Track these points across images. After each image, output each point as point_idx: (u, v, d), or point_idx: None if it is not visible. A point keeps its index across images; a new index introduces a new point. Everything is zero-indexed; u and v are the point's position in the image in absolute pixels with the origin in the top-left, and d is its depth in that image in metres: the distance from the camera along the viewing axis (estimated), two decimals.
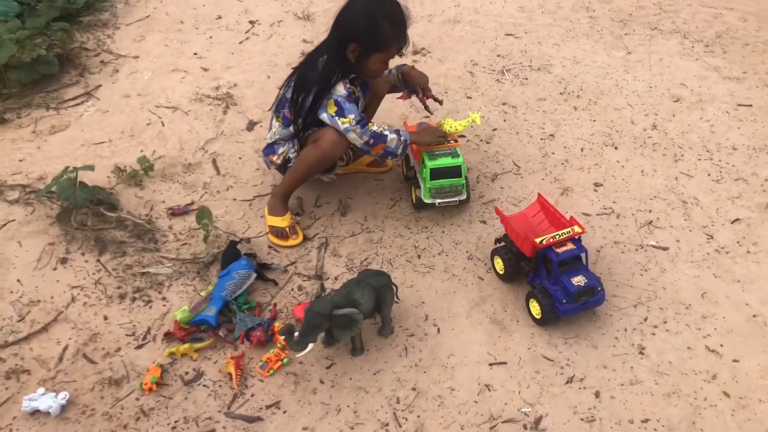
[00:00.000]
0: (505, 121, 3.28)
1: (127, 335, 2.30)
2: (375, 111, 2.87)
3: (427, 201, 2.61)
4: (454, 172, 2.59)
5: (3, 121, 3.38)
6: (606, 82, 3.54)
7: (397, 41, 2.46)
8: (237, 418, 2.04)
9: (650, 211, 2.75)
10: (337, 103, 2.46)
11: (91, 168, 2.74)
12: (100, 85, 3.66)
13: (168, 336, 2.26)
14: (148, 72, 3.76)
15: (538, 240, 2.25)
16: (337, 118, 2.46)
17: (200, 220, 2.59)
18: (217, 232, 2.67)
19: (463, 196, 2.65)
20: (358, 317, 2.08)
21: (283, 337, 2.11)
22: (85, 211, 2.73)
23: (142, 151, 3.15)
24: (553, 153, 3.07)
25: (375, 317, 2.24)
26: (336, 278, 2.48)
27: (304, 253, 2.60)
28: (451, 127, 2.68)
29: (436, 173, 2.57)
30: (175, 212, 2.77)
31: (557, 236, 2.26)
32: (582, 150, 3.08)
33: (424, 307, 2.38)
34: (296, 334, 2.07)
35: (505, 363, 2.19)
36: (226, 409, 2.07)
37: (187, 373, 2.18)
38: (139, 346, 2.26)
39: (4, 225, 2.75)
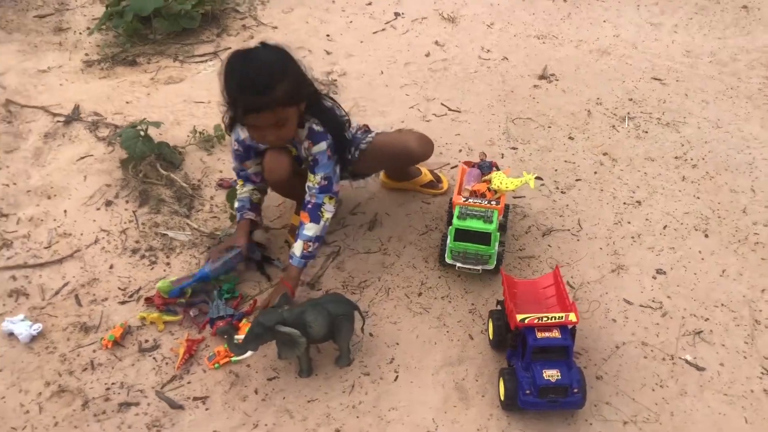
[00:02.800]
0: (595, 173, 2.94)
1: (119, 288, 2.41)
2: (395, 166, 2.77)
3: (448, 261, 2.39)
4: (483, 238, 2.31)
5: (134, 63, 3.67)
6: (739, 157, 3.03)
7: (240, 102, 2.14)
8: (162, 399, 2.06)
9: (707, 319, 2.33)
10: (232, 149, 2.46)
11: (157, 125, 2.89)
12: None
13: (148, 301, 2.33)
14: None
15: (520, 317, 2.00)
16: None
17: (231, 199, 2.63)
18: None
19: (490, 266, 2.37)
20: (299, 340, 2.00)
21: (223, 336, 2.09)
22: (148, 162, 2.88)
23: None
24: (629, 222, 2.70)
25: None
26: (327, 291, 2.40)
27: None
28: (501, 183, 2.44)
29: (462, 235, 2.32)
30: (223, 185, 2.84)
31: (544, 318, 1.99)
32: (665, 228, 2.68)
33: (396, 348, 2.23)
34: (236, 337, 2.04)
35: None
36: (159, 387, 2.10)
37: (147, 341, 2.24)
38: (123, 302, 2.36)
39: (83, 158, 2.98)
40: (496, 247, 2.38)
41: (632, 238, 2.63)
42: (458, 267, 2.37)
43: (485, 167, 2.55)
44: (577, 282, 2.45)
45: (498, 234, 2.38)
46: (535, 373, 1.93)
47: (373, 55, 3.78)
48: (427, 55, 3.78)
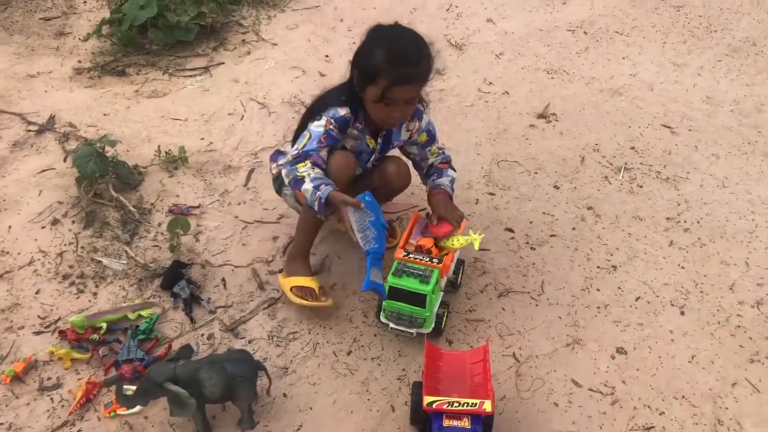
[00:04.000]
0: (573, 229, 2.69)
1: (38, 317, 2.31)
2: (382, 200, 2.49)
3: (382, 320, 2.19)
4: (418, 299, 2.09)
5: (123, 73, 3.60)
6: (740, 223, 2.73)
7: (388, 74, 2.03)
8: None
9: (662, 413, 2.07)
10: (309, 133, 2.18)
11: (112, 143, 2.78)
12: (223, 63, 3.72)
13: (62, 334, 2.21)
14: (271, 62, 3.74)
15: (428, 400, 1.79)
16: (295, 148, 2.18)
17: (172, 228, 2.51)
18: (193, 246, 2.55)
19: (425, 330, 2.16)
20: (188, 401, 1.84)
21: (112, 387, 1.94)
22: (104, 181, 2.78)
23: (202, 139, 3.15)
24: (598, 289, 2.45)
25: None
26: (249, 342, 2.23)
27: (245, 300, 2.38)
28: (449, 239, 2.25)
29: (395, 294, 2.12)
30: (174, 211, 2.72)
31: (455, 404, 1.78)
32: (637, 299, 2.41)
33: (307, 414, 2.05)
34: (127, 387, 1.89)
35: None
36: None
37: (49, 378, 2.13)
38: (38, 332, 2.26)
39: (44, 171, 2.91)
40: (434, 310, 2.16)
41: (598, 308, 2.38)
42: (391, 327, 2.17)
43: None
44: (525, 354, 2.22)
45: (436, 296, 2.18)
46: None
47: None
48: None
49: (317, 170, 2.08)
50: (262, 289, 2.42)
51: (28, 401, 2.06)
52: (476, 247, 2.21)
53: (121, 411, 1.98)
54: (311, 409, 2.07)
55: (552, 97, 3.48)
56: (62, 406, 2.04)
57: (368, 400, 2.09)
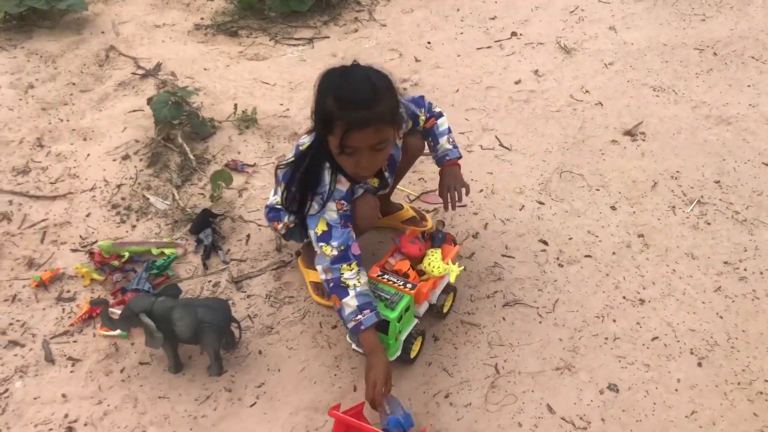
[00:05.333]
0: (613, 254, 2.53)
1: (80, 236, 2.56)
2: (406, 170, 2.48)
3: (348, 339, 2.09)
4: (380, 326, 1.96)
5: (234, 34, 3.84)
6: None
7: (341, 121, 1.84)
8: (44, 348, 2.16)
9: None
10: (328, 225, 2.00)
11: (188, 94, 2.99)
12: (327, 38, 3.85)
13: (91, 256, 2.44)
14: (373, 42, 3.81)
15: None
16: (322, 243, 1.99)
17: (214, 180, 2.66)
18: (234, 201, 2.69)
19: (390, 357, 2.00)
20: (155, 334, 1.97)
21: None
22: (179, 128, 3.01)
23: (281, 104, 3.29)
24: (613, 320, 2.29)
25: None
26: (248, 297, 2.34)
27: (259, 258, 2.49)
28: (430, 265, 2.14)
29: None
30: (230, 166, 2.88)
31: None
32: (653, 339, 2.24)
33: (274, 374, 2.12)
34: (113, 311, 2.07)
35: None
36: (49, 337, 2.20)
37: (68, 291, 2.36)
38: (75, 250, 2.50)
39: (134, 111, 3.19)
40: (402, 338, 2.05)
41: (606, 339, 2.23)
42: (353, 348, 2.08)
43: (437, 240, 2.27)
44: (508, 368, 2.13)
45: (406, 323, 2.05)
46: None
47: (460, 71, 3.57)
48: (517, 82, 3.49)
49: (363, 278, 1.96)
50: (279, 251, 2.50)
51: (44, 306, 2.29)
52: (452, 279, 2.13)
53: (103, 331, 2.15)
54: (279, 371, 2.12)
55: (648, 115, 3.25)
56: (69, 317, 2.25)
57: (335, 375, 2.12)
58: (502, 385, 2.08)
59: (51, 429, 1.95)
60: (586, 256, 2.51)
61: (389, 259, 2.14)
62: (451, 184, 2.23)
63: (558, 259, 2.50)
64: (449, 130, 2.30)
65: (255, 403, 2.03)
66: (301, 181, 2.00)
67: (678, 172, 2.91)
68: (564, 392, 2.07)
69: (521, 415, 2.00)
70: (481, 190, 2.80)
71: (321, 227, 1.98)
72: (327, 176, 1.98)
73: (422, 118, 2.23)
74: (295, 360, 2.15)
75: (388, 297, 2.01)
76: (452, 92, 3.41)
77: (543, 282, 2.41)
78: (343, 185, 2.01)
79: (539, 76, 3.55)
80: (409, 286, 2.05)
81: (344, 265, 1.95)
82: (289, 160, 2.09)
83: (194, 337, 2.00)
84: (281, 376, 2.10)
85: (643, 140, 3.10)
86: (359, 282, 1.94)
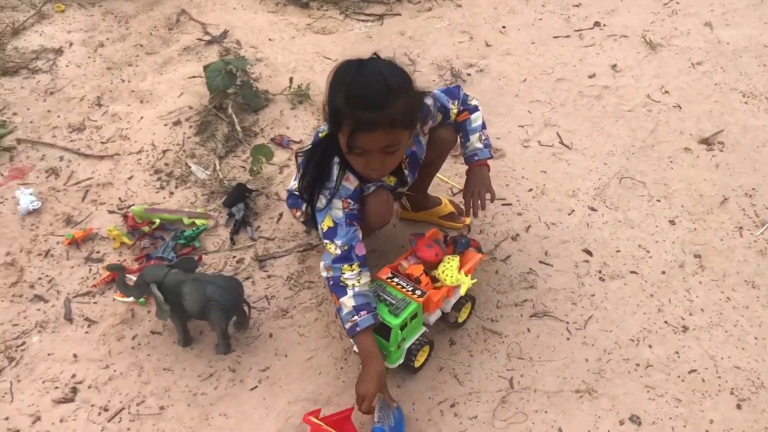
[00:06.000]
0: (663, 273, 2.34)
1: (119, 198, 2.59)
2: (439, 164, 2.35)
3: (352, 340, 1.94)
4: (381, 331, 1.89)
5: (306, 6, 3.80)
6: None
7: (349, 120, 1.74)
8: (64, 306, 2.20)
9: None
10: (334, 222, 1.92)
11: (242, 64, 2.96)
12: (399, 15, 3.75)
13: (125, 219, 2.47)
14: (445, 23, 3.69)
15: None
16: (327, 240, 1.93)
17: (255, 154, 2.64)
18: (273, 177, 2.67)
19: (389, 364, 1.92)
20: (163, 307, 1.97)
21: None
22: (231, 98, 3.00)
23: None
24: (649, 346, 2.12)
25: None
26: (268, 277, 2.31)
27: (287, 238, 2.45)
28: (444, 273, 2.02)
29: None
30: (276, 140, 2.85)
31: None
32: (689, 372, 2.05)
33: (280, 360, 2.09)
34: (129, 277, 2.08)
35: None
36: (72, 296, 2.24)
37: (98, 252, 2.39)
38: (111, 212, 2.54)
39: (194, 77, 3.21)
40: (405, 345, 1.94)
41: (637, 365, 2.06)
42: (354, 351, 1.96)
43: (460, 245, 2.13)
44: (523, 384, 2.01)
45: (411, 331, 1.95)
46: None
47: (532, 60, 3.39)
48: (591, 76, 3.27)
49: (364, 279, 1.89)
50: (308, 233, 2.44)
51: (73, 265, 2.33)
52: (462, 291, 2.00)
53: (118, 297, 2.16)
54: (286, 356, 2.08)
55: (731, 123, 2.98)
56: (94, 278, 2.28)
57: (341, 368, 2.05)
58: (513, 401, 1.96)
59: (57, 387, 1.97)
60: (631, 272, 2.32)
61: (403, 261, 2.04)
62: (476, 189, 2.09)
63: (600, 272, 2.32)
64: (483, 127, 2.15)
65: (256, 387, 1.99)
66: (311, 172, 1.92)
67: (754, 189, 2.65)
68: (580, 417, 1.92)
69: None
70: (531, 190, 2.64)
71: (327, 223, 1.91)
72: (335, 171, 1.88)
73: (454, 110, 2.09)
74: (305, 348, 2.09)
75: (393, 302, 1.92)
76: (519, 82, 3.24)
77: (579, 295, 2.24)
78: (351, 183, 1.92)
79: (616, 71, 3.31)
80: (418, 293, 1.95)
81: (345, 265, 1.87)
82: (308, 148, 2.01)
83: (202, 313, 1.98)
84: (287, 363, 2.05)
85: (721, 150, 2.84)
86: (359, 282, 1.86)
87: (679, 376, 2.03)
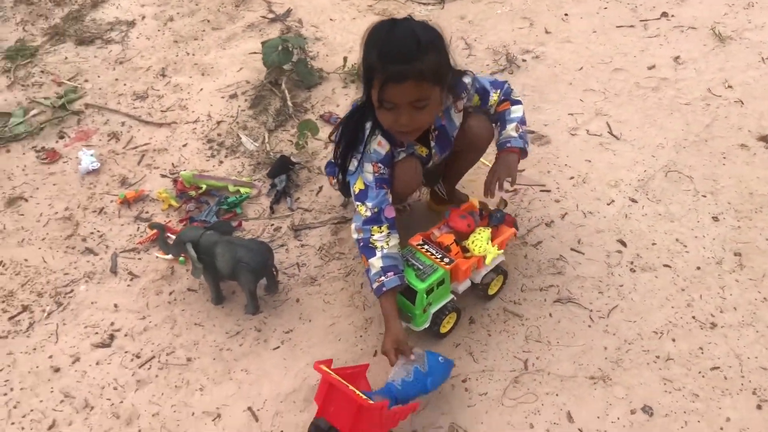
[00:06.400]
0: (698, 268, 2.30)
1: (172, 164, 2.74)
2: (473, 161, 2.33)
3: None
4: (408, 294, 1.95)
5: None
6: None
7: (380, 73, 1.80)
8: (111, 260, 2.36)
9: None
10: (365, 184, 2.00)
11: (298, 42, 3.07)
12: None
13: (175, 183, 2.62)
14: (506, 8, 3.68)
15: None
16: (358, 202, 2.00)
17: (301, 129, 2.74)
18: (318, 152, 2.76)
19: (415, 327, 2.00)
20: (196, 265, 2.09)
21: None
22: (286, 75, 3.11)
23: None
24: (673, 339, 2.10)
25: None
26: (302, 246, 2.41)
27: (324, 211, 2.54)
28: (473, 243, 2.05)
29: None
30: (324, 117, 2.94)
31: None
32: (712, 369, 2.02)
33: (304, 324, 2.18)
34: (170, 236, 2.22)
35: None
36: (119, 251, 2.40)
37: (147, 212, 2.55)
38: (164, 176, 2.69)
39: (254, 53, 3.33)
40: (431, 310, 2.00)
41: (657, 357, 2.04)
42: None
43: (495, 219, 2.16)
44: (538, 366, 2.03)
45: (437, 297, 2.00)
46: None
47: (591, 48, 3.34)
48: (651, 67, 3.21)
49: (393, 241, 1.96)
50: (344, 207, 2.52)
51: (123, 223, 2.49)
52: (487, 261, 2.02)
53: (159, 254, 2.30)
54: (310, 321, 2.16)
55: None
56: (140, 236, 2.43)
57: (360, 336, 2.12)
58: (525, 382, 1.98)
59: (97, 332, 2.13)
60: (665, 265, 2.29)
61: (435, 230, 2.09)
62: (498, 170, 2.11)
63: (632, 263, 2.30)
64: (522, 121, 2.16)
65: (278, 347, 2.08)
66: (345, 137, 1.99)
67: None
68: (591, 403, 1.92)
69: (536, 416, 1.90)
70: (572, 177, 2.63)
71: (359, 186, 1.98)
72: (367, 135, 1.94)
73: (495, 98, 2.13)
74: (328, 314, 2.17)
75: (421, 267, 1.97)
76: (575, 70, 3.20)
77: (607, 285, 2.23)
78: (382, 147, 1.98)
79: (679, 63, 3.23)
80: (446, 260, 1.99)
81: (375, 227, 1.94)
82: (345, 115, 2.09)
83: (232, 274, 2.08)
84: (310, 327, 2.14)
85: None
86: (387, 244, 1.93)
87: (700, 372, 1.99)
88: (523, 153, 2.17)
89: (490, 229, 2.08)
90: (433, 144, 2.09)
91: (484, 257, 2.04)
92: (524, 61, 3.26)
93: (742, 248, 2.34)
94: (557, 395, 1.95)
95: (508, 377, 1.99)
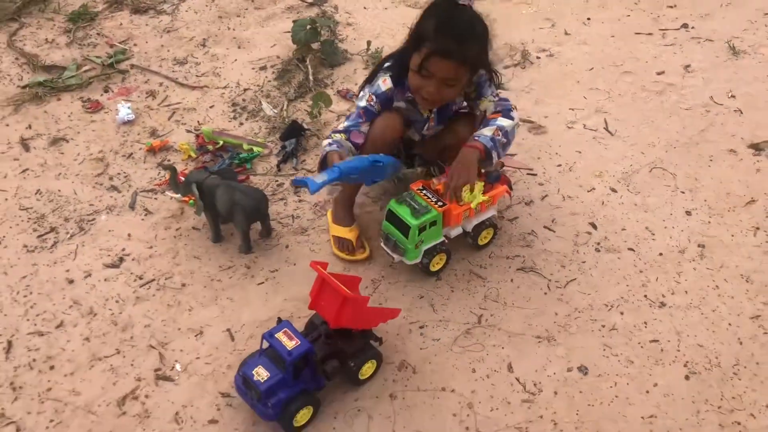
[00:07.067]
0: (660, 254, 2.46)
1: (198, 122, 3.05)
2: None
3: (382, 245, 2.32)
4: (404, 229, 2.19)
5: None
6: None
7: (431, 43, 2.04)
8: (132, 197, 2.67)
9: None
10: (356, 109, 2.29)
11: (326, 23, 3.34)
12: None
13: (196, 138, 2.93)
14: (532, 10, 3.88)
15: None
16: (344, 118, 2.29)
17: (315, 100, 3.01)
18: (329, 122, 3.01)
19: (407, 260, 2.25)
20: (198, 203, 2.37)
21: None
22: (315, 51, 3.39)
23: None
24: (621, 312, 2.27)
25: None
26: (299, 201, 2.66)
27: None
28: (466, 192, 2.25)
29: (391, 217, 2.23)
30: (340, 93, 3.21)
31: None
32: (651, 341, 2.18)
33: (288, 267, 2.42)
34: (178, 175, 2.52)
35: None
36: (140, 190, 2.72)
37: (168, 160, 2.84)
38: (189, 131, 3.00)
39: (288, 32, 3.63)
40: (423, 248, 2.24)
41: (602, 326, 2.23)
42: (382, 245, 2.33)
43: (491, 177, 2.37)
44: (491, 322, 2.23)
45: (429, 236, 2.22)
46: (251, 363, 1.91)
47: (606, 51, 3.52)
48: (660, 73, 3.37)
49: (347, 142, 2.19)
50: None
51: (146, 167, 2.80)
52: (473, 205, 2.24)
53: (169, 192, 2.59)
54: (294, 264, 2.42)
55: None
56: (159, 179, 2.74)
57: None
58: (476, 334, 2.18)
59: (109, 255, 2.43)
60: (629, 248, 2.46)
61: (435, 180, 2.31)
62: (455, 174, 2.19)
63: (599, 244, 2.48)
64: (505, 131, 2.24)
65: (263, 283, 2.34)
66: (370, 76, 2.32)
67: None
68: (532, 358, 2.12)
69: (479, 363, 2.10)
70: (560, 165, 2.81)
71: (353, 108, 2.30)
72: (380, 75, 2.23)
73: (489, 102, 2.29)
74: (316, 255, 2.41)
75: (417, 207, 2.20)
76: (585, 70, 3.38)
77: (570, 260, 2.41)
78: (385, 85, 2.22)
79: (688, 71, 3.37)
80: (440, 204, 2.23)
81: (335, 134, 2.23)
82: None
83: (229, 214, 2.35)
84: (294, 270, 2.39)
85: None
86: (341, 138, 2.19)
87: (639, 343, 2.16)
88: (487, 155, 2.20)
89: (483, 183, 2.29)
90: (433, 115, 2.31)
91: (481, 207, 2.27)
92: (538, 58, 3.45)
93: (707, 241, 2.49)
94: (503, 348, 2.14)
95: (461, 328, 2.20)
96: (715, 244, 2.46)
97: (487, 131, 2.24)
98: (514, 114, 2.26)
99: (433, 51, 2.04)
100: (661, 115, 3.09)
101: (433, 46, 2.03)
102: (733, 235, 2.50)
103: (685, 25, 3.70)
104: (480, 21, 2.10)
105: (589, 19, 3.76)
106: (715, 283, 2.33)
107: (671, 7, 3.85)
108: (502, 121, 2.24)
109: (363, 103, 2.25)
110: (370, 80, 2.31)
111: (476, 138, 2.22)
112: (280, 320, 1.95)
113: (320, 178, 1.96)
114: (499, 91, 2.33)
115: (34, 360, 2.10)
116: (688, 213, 2.59)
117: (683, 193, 2.68)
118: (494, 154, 2.21)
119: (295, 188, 2.65)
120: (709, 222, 2.56)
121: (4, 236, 2.48)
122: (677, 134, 2.97)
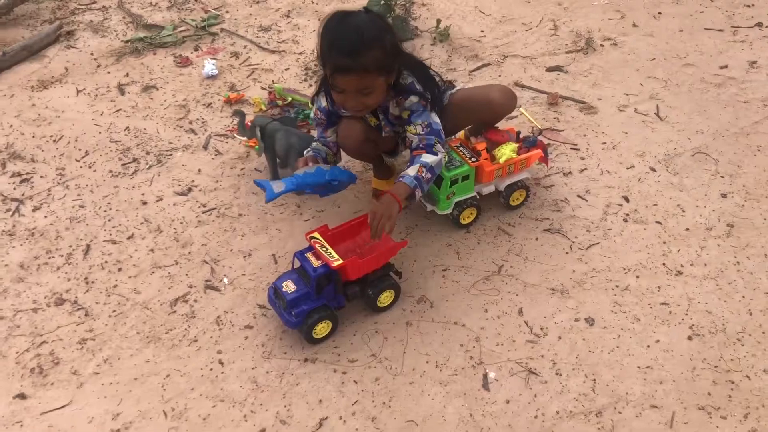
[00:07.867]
0: (687, 230, 2.56)
1: (272, 81, 3.36)
2: (488, 125, 2.56)
3: (422, 201, 2.48)
4: (437, 180, 2.33)
5: None
6: None
7: (328, 62, 2.12)
8: (206, 138, 3.01)
9: (561, 376, 2.13)
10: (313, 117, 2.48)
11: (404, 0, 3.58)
12: None
13: (269, 94, 3.24)
14: (604, 1, 3.99)
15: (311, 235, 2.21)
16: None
17: None
18: None
19: (439, 211, 2.43)
20: (260, 143, 2.67)
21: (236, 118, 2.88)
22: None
23: (482, 31, 3.72)
24: (637, 277, 2.40)
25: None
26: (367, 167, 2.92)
27: None
28: (500, 150, 2.44)
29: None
30: None
31: (324, 249, 2.14)
32: (661, 304, 2.31)
33: (335, 210, 2.68)
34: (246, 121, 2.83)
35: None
36: (213, 133, 3.05)
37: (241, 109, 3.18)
38: (263, 88, 3.31)
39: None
40: (454, 199, 2.42)
41: (616, 286, 2.35)
42: (422, 201, 2.47)
43: (528, 142, 2.53)
44: (510, 273, 2.40)
45: (461, 189, 2.39)
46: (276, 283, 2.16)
47: (670, 44, 3.58)
48: (723, 67, 3.41)
49: (324, 147, 2.41)
50: None
51: (223, 116, 3.12)
52: (501, 160, 2.40)
53: (238, 136, 2.90)
54: (339, 207, 2.66)
55: None
56: (232, 126, 3.05)
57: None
58: (494, 281, 2.36)
59: (180, 185, 2.76)
60: (657, 222, 2.56)
61: (472, 138, 2.50)
62: (377, 214, 2.13)
63: (628, 215, 2.59)
64: (430, 167, 2.20)
65: (309, 220, 2.61)
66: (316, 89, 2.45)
67: None
68: (542, 306, 2.28)
69: (492, 305, 2.28)
70: (604, 143, 2.94)
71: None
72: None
73: (415, 132, 2.26)
74: (355, 206, 2.67)
75: (450, 161, 2.38)
76: (647, 59, 3.46)
77: (596, 227, 2.55)
78: (323, 100, 2.35)
79: (753, 67, 3.39)
80: (474, 160, 2.40)
81: (314, 143, 2.45)
82: None
83: (285, 157, 2.63)
84: (338, 212, 2.64)
85: None
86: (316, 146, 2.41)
87: (649, 304, 2.28)
88: (410, 196, 2.18)
89: (517, 145, 2.46)
90: (381, 116, 2.36)
91: (515, 167, 2.43)
92: (602, 45, 3.56)
93: (737, 222, 2.56)
94: (517, 295, 2.31)
95: (481, 275, 2.38)
96: (745, 226, 2.53)
97: (411, 171, 2.19)
98: (438, 148, 2.23)
99: (333, 70, 2.10)
100: (715, 105, 3.14)
101: (332, 65, 2.10)
102: (766, 219, 2.55)
103: (759, 24, 3.70)
104: (372, 24, 2.11)
105: (660, 13, 3.82)
106: (736, 259, 2.40)
107: (748, 6, 3.85)
108: (426, 158, 2.20)
109: (313, 116, 2.42)
110: (317, 93, 2.39)
111: (401, 179, 2.18)
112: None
113: (279, 186, 2.13)
114: (431, 119, 2.28)
115: (106, 262, 2.44)
116: (724, 195, 2.66)
117: (723, 177, 2.75)
118: (417, 193, 2.19)
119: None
120: (743, 205, 2.62)
121: (94, 161, 2.85)
122: (728, 124, 3.02)
